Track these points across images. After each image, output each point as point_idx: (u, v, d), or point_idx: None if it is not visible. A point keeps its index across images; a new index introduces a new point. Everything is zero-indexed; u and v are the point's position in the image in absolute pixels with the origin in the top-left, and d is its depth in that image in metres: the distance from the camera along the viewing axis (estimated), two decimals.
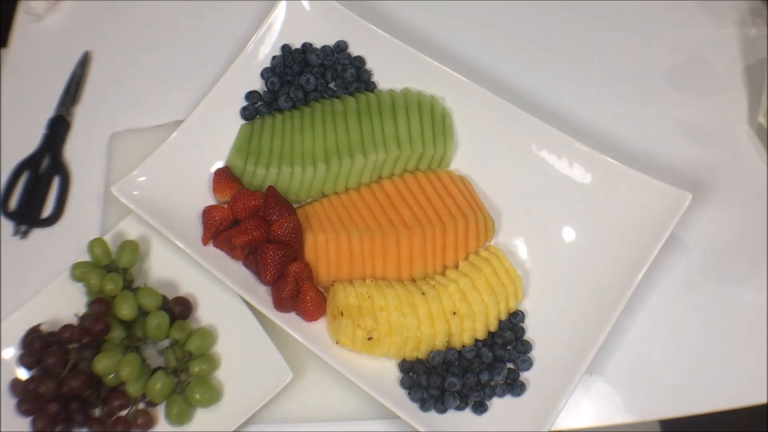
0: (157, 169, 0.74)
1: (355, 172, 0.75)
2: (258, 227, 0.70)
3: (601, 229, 0.73)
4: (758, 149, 0.82)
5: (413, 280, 0.72)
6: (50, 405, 0.66)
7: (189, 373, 0.68)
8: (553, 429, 0.65)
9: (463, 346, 0.70)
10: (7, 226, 0.80)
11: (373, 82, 0.81)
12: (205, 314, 0.73)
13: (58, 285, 0.72)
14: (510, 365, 0.70)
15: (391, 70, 0.81)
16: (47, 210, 0.80)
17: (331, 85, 0.81)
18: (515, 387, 0.68)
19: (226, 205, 0.74)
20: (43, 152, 0.83)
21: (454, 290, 0.69)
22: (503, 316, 0.71)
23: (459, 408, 0.68)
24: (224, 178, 0.75)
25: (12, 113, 0.85)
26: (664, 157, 0.81)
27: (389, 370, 0.70)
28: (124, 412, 0.67)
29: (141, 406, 0.69)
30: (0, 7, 0.96)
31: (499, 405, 0.68)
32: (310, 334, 0.69)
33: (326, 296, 0.72)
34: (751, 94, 0.85)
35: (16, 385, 0.67)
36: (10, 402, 0.67)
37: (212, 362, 0.69)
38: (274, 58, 0.82)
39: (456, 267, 0.73)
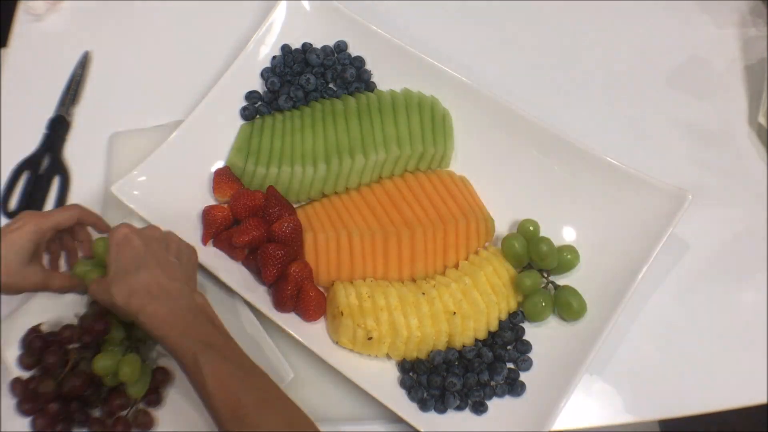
0: (157, 169, 0.74)
1: (356, 172, 0.75)
2: (258, 227, 0.70)
3: (602, 229, 0.73)
4: (758, 149, 0.82)
5: (413, 280, 0.72)
6: (50, 405, 0.66)
7: None
8: (553, 429, 0.65)
9: (464, 345, 0.70)
10: None
11: (373, 82, 0.81)
12: None
13: None
14: (510, 365, 0.70)
15: (391, 70, 0.81)
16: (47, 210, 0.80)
17: (331, 85, 0.81)
18: (515, 387, 0.68)
19: (226, 205, 0.74)
20: (43, 152, 0.83)
21: (455, 290, 0.69)
22: (503, 316, 0.71)
23: (459, 408, 0.68)
24: (224, 178, 0.75)
25: (12, 113, 0.85)
26: (664, 157, 0.81)
27: (389, 370, 0.70)
28: (124, 412, 0.67)
29: (141, 406, 0.69)
30: (0, 7, 0.96)
31: (499, 405, 0.68)
32: (310, 334, 0.69)
33: (326, 296, 0.72)
34: (751, 94, 0.85)
35: (16, 385, 0.67)
36: (10, 402, 0.67)
37: None
38: (274, 58, 0.82)
39: (456, 267, 0.73)
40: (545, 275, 0.72)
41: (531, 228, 0.73)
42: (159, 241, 0.65)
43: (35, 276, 0.65)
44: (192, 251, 0.67)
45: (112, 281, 0.60)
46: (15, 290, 0.65)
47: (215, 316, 0.62)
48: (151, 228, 0.66)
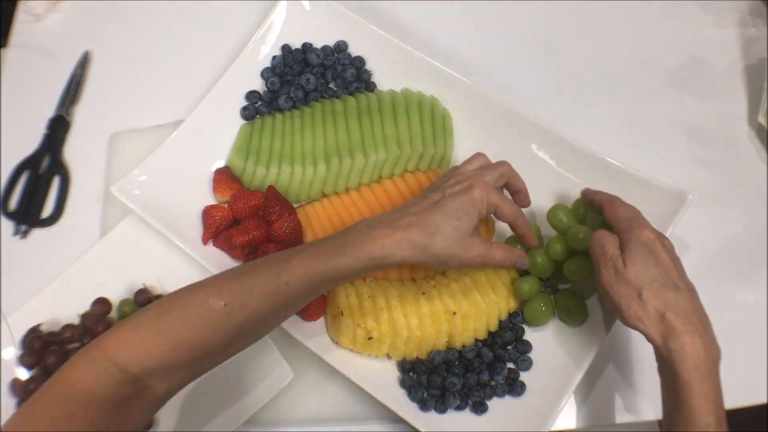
0: (158, 169, 0.74)
1: (356, 172, 0.75)
2: (258, 227, 0.70)
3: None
4: (758, 149, 0.82)
5: (413, 280, 0.72)
6: None
7: None
8: (553, 429, 0.65)
9: (464, 345, 0.70)
10: (7, 226, 0.79)
11: (373, 82, 0.81)
12: None
13: (58, 285, 0.72)
14: (510, 365, 0.70)
15: (391, 70, 0.81)
16: (47, 210, 0.80)
17: (331, 85, 0.81)
18: (515, 387, 0.68)
19: (226, 205, 0.74)
20: (43, 152, 0.83)
21: (455, 290, 0.69)
22: (503, 316, 0.71)
23: (459, 408, 0.68)
24: (224, 177, 0.75)
25: (12, 113, 0.85)
26: (664, 157, 0.81)
27: (389, 370, 0.70)
28: None
29: None
30: (0, 7, 0.96)
31: (499, 405, 0.68)
32: (310, 334, 0.69)
33: (326, 296, 0.72)
34: (751, 94, 0.85)
35: (16, 385, 0.67)
36: (10, 402, 0.67)
37: None
38: (274, 58, 0.82)
39: None
40: (544, 280, 0.72)
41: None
42: (677, 264, 0.58)
43: (477, 248, 0.59)
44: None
45: (646, 285, 0.55)
46: (453, 263, 0.58)
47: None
48: (669, 242, 0.59)
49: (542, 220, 0.73)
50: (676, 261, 0.59)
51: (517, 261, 0.64)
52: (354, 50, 0.82)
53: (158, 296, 0.72)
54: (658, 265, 0.57)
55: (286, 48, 0.82)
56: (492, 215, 0.63)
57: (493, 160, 0.77)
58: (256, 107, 0.80)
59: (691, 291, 0.58)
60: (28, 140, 0.83)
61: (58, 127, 0.84)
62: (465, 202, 0.59)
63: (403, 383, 0.69)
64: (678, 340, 0.53)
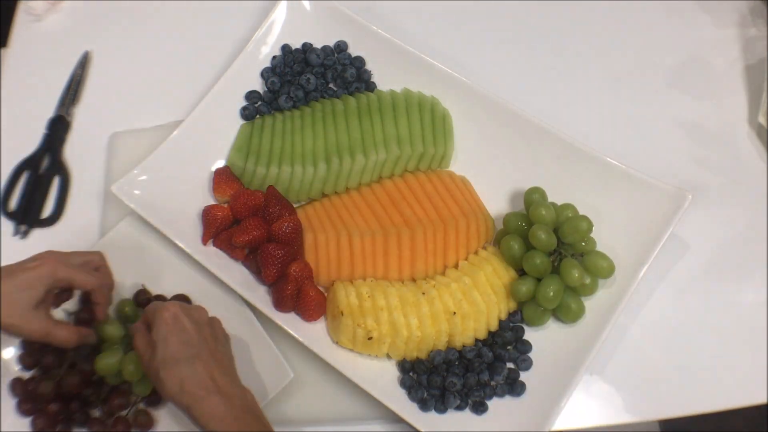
0: (158, 169, 0.74)
1: (356, 172, 0.75)
2: (258, 227, 0.70)
3: (602, 229, 0.73)
4: (758, 149, 0.82)
5: (413, 280, 0.72)
6: (50, 405, 0.66)
7: None
8: (553, 429, 0.65)
9: (464, 345, 0.70)
10: (7, 226, 0.79)
11: (374, 83, 0.81)
12: None
13: None
14: (510, 365, 0.70)
15: (391, 70, 0.81)
16: (47, 210, 0.80)
17: (332, 85, 0.81)
18: (515, 387, 0.68)
19: (226, 205, 0.74)
20: (43, 152, 0.83)
21: (455, 290, 0.69)
22: (503, 316, 0.71)
23: (459, 408, 0.68)
24: (224, 177, 0.75)
25: (12, 113, 0.85)
26: (664, 157, 0.81)
27: (389, 370, 0.70)
28: (124, 412, 0.67)
29: (141, 405, 0.69)
30: (0, 7, 0.96)
31: (499, 405, 0.68)
32: (310, 334, 0.69)
33: (326, 296, 0.72)
34: (751, 94, 0.85)
35: (16, 385, 0.67)
36: (10, 402, 0.67)
37: None
38: (274, 57, 0.82)
39: (456, 267, 0.73)
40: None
41: (524, 225, 0.72)
42: (208, 327, 0.63)
43: (39, 323, 0.62)
44: (228, 339, 0.66)
45: (162, 366, 0.58)
46: (14, 333, 0.62)
47: (262, 413, 0.61)
48: (198, 309, 0.64)
49: None
50: (203, 326, 0.62)
51: (85, 339, 0.65)
52: (354, 50, 0.82)
53: (158, 296, 0.72)
54: (178, 338, 0.59)
55: (286, 48, 0.82)
56: None
57: (494, 161, 0.78)
58: (256, 107, 0.80)
59: (214, 355, 0.60)
60: (28, 140, 0.83)
61: (58, 127, 0.84)
62: (31, 277, 0.62)
63: (403, 383, 0.69)
64: (197, 409, 0.56)
